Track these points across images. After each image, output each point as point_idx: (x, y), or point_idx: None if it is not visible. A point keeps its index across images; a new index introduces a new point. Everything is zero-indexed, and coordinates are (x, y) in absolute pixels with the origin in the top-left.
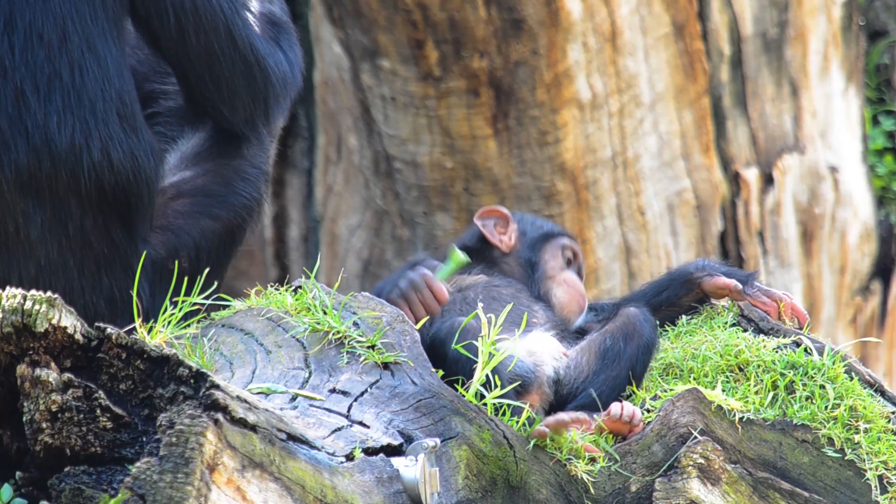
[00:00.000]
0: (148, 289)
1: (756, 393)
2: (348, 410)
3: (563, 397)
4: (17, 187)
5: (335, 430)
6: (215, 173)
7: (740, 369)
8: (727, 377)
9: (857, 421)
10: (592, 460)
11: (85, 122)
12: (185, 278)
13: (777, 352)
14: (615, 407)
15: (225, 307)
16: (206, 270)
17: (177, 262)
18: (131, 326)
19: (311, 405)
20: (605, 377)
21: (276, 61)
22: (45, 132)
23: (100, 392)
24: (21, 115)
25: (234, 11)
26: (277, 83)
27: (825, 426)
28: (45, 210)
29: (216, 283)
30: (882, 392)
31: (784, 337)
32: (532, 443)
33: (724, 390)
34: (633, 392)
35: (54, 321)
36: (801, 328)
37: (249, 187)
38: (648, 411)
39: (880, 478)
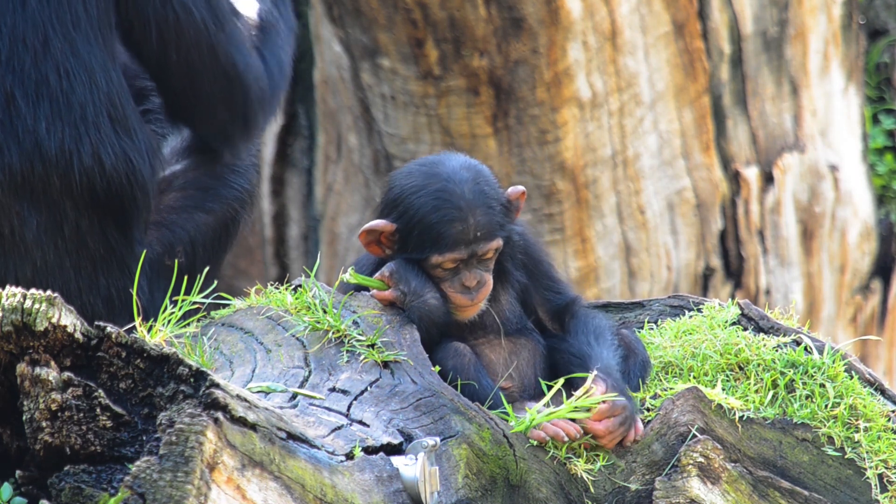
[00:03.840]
0: (146, 286)
1: (756, 391)
2: (348, 409)
3: None
4: (12, 190)
5: (335, 429)
6: (206, 167)
7: (740, 368)
8: (727, 376)
9: (857, 420)
10: (592, 459)
11: (75, 127)
12: (183, 274)
13: (777, 350)
14: None
15: (225, 306)
16: (203, 265)
17: (175, 260)
18: (131, 325)
19: (310, 404)
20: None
21: (257, 76)
22: (35, 137)
23: (100, 391)
24: (12, 120)
25: (218, 26)
26: (255, 100)
27: (825, 425)
28: (40, 212)
29: (212, 277)
30: (882, 391)
31: (784, 335)
32: (532, 442)
33: (724, 389)
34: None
35: (54, 320)
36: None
37: (240, 179)
38: (648, 410)
39: (880, 476)
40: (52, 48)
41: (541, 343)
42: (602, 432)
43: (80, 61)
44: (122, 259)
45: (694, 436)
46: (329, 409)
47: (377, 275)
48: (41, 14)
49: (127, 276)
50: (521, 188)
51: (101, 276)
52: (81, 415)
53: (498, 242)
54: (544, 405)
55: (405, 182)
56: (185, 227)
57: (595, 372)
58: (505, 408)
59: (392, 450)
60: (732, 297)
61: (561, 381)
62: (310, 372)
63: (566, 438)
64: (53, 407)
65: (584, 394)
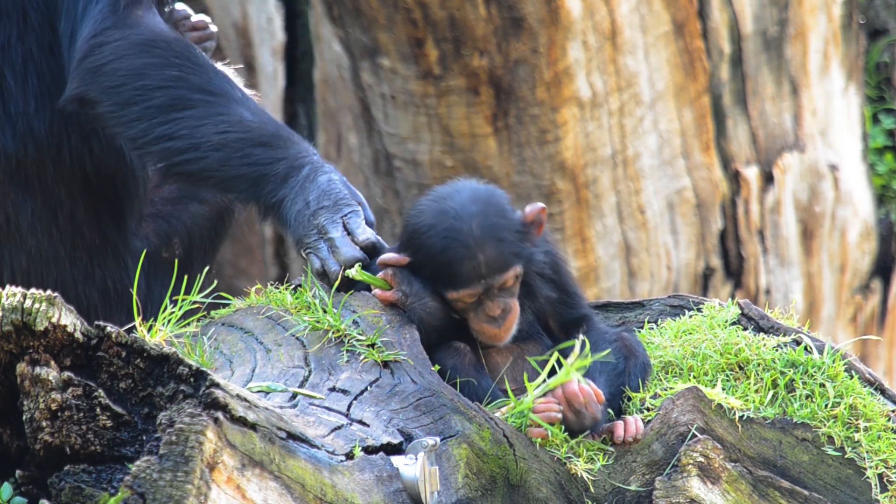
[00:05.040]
0: (144, 280)
1: (756, 391)
2: (348, 409)
3: None
4: (7, 176)
5: (335, 429)
6: None
7: (740, 367)
8: (727, 375)
9: (857, 419)
10: (592, 459)
11: (63, 106)
12: (180, 265)
13: (777, 350)
14: (619, 428)
15: (225, 305)
16: (200, 256)
17: (172, 251)
18: (131, 325)
19: (310, 404)
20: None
21: (83, 44)
22: (27, 118)
23: (99, 391)
24: (4, 101)
25: None
26: (69, 65)
27: (825, 424)
28: (35, 199)
29: (210, 267)
30: (882, 390)
31: (784, 335)
32: (536, 442)
33: (724, 389)
34: (631, 397)
35: (54, 319)
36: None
37: None
38: (648, 410)
39: (880, 476)
40: (30, 20)
41: (548, 347)
42: (569, 393)
43: (58, 35)
44: (117, 250)
45: (694, 435)
46: (329, 409)
47: (381, 274)
48: None
49: (122, 268)
50: (539, 205)
51: (97, 267)
52: (81, 414)
53: (515, 270)
54: (542, 381)
55: (417, 221)
56: (181, 219)
57: (581, 336)
58: (502, 402)
59: (392, 449)
60: (732, 297)
61: (555, 356)
62: (310, 371)
63: (559, 416)
64: (53, 407)
65: (575, 359)
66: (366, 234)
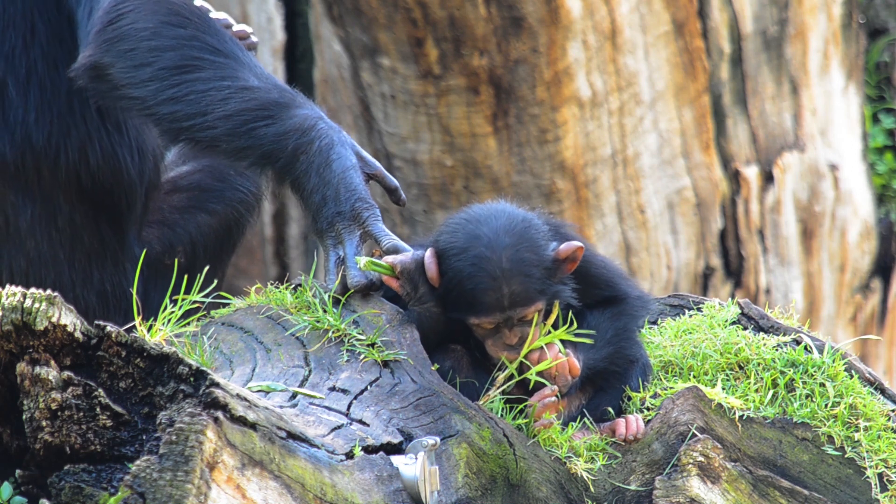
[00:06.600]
0: (142, 284)
1: (756, 391)
2: (348, 408)
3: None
4: (6, 180)
5: (335, 428)
6: (212, 168)
7: (740, 367)
8: (727, 375)
9: (857, 419)
10: (592, 458)
11: (62, 118)
12: (182, 274)
13: (777, 350)
14: (620, 426)
15: (225, 305)
16: (204, 266)
17: (174, 259)
18: (131, 325)
19: (310, 403)
20: (605, 393)
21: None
22: (25, 128)
23: (99, 390)
24: (4, 109)
25: None
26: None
27: (825, 424)
28: (34, 202)
29: (216, 280)
30: (882, 390)
31: (784, 335)
32: (533, 440)
33: (724, 388)
34: (631, 397)
35: (54, 319)
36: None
37: (247, 182)
38: (648, 409)
39: (880, 476)
40: (38, 33)
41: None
42: (544, 358)
43: (66, 48)
44: (115, 254)
45: (694, 435)
46: (329, 409)
47: (388, 258)
48: None
49: (121, 272)
50: (575, 244)
51: (95, 269)
52: (81, 414)
53: (537, 306)
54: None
55: (450, 240)
56: (186, 228)
57: (558, 303)
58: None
59: (392, 449)
60: (732, 297)
61: (537, 319)
62: (310, 371)
63: (555, 399)
64: (53, 406)
65: (553, 319)
66: (389, 240)
